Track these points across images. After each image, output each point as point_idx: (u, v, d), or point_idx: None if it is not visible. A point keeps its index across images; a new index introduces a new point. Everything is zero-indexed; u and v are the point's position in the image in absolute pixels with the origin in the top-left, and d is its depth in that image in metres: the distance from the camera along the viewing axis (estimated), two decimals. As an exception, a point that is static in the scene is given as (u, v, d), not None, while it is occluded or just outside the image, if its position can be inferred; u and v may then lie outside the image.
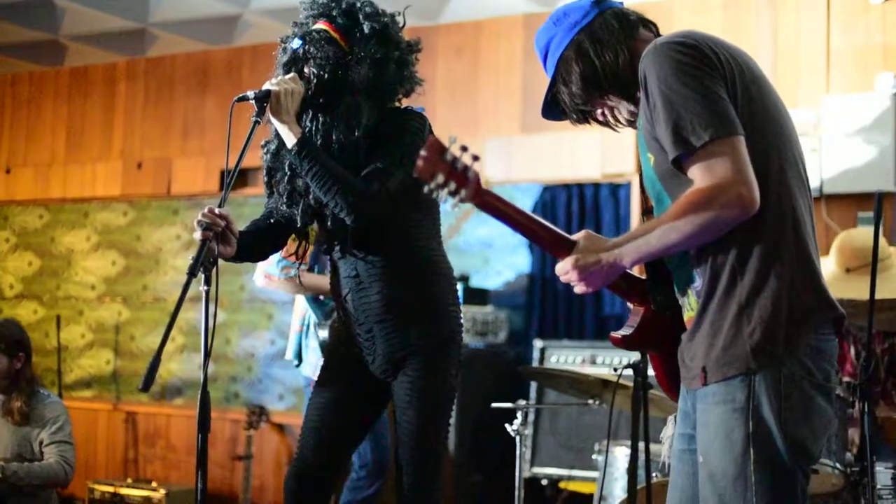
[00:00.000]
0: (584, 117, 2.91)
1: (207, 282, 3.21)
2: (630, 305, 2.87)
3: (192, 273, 3.17)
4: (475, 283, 7.30)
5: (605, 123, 2.93)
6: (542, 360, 6.53)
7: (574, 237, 2.65)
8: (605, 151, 6.91)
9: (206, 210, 3.42)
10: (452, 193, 2.46)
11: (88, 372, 8.85)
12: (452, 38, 7.69)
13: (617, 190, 6.99)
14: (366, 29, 3.69)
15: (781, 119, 2.67)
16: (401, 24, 3.81)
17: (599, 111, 2.88)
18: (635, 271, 2.80)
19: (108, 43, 8.57)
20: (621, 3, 2.89)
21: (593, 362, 6.37)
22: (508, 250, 7.38)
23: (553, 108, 2.95)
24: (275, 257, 3.95)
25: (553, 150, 7.05)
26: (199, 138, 8.66)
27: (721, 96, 2.52)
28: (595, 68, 2.77)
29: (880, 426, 4.76)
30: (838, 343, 2.66)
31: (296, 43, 3.71)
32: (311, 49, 3.67)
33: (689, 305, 2.69)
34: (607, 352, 6.39)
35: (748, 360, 2.51)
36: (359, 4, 3.74)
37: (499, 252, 7.38)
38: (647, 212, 2.86)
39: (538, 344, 6.61)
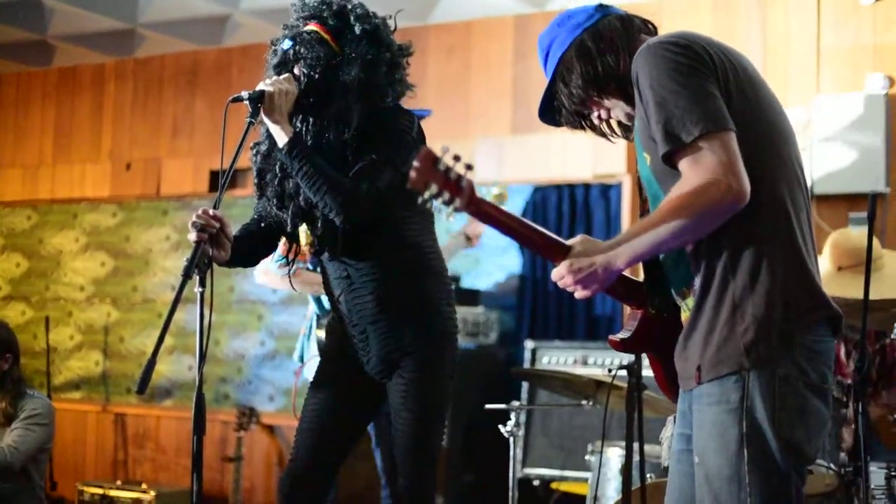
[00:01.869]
0: (579, 121, 2.92)
1: (202, 283, 3.20)
2: (628, 308, 2.88)
3: (186, 275, 3.17)
4: (466, 283, 7.31)
5: (600, 132, 2.95)
6: (533, 360, 6.52)
7: (569, 242, 2.65)
8: (596, 152, 6.90)
9: (200, 211, 3.39)
10: (447, 203, 2.46)
11: (77, 373, 8.83)
12: (443, 38, 7.69)
13: (608, 190, 6.99)
14: (357, 30, 3.68)
15: (777, 118, 2.68)
16: (392, 28, 3.80)
17: (595, 114, 2.88)
18: (632, 273, 2.81)
19: (97, 43, 8.54)
20: (625, 12, 2.90)
21: (585, 363, 6.36)
22: (499, 251, 7.37)
23: (549, 113, 2.95)
24: (276, 253, 3.95)
25: (544, 151, 7.04)
26: (189, 139, 8.65)
27: (712, 93, 2.53)
28: (596, 67, 2.78)
29: (874, 428, 4.76)
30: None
31: (286, 44, 3.70)
32: (302, 50, 3.66)
33: (687, 306, 2.69)
34: (599, 352, 6.39)
35: (741, 359, 2.52)
36: (350, 6, 3.73)
37: (489, 253, 7.37)
38: (645, 214, 2.85)
39: (529, 345, 6.60)
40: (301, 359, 5.39)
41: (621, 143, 6.55)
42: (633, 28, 2.83)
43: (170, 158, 8.66)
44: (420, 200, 2.45)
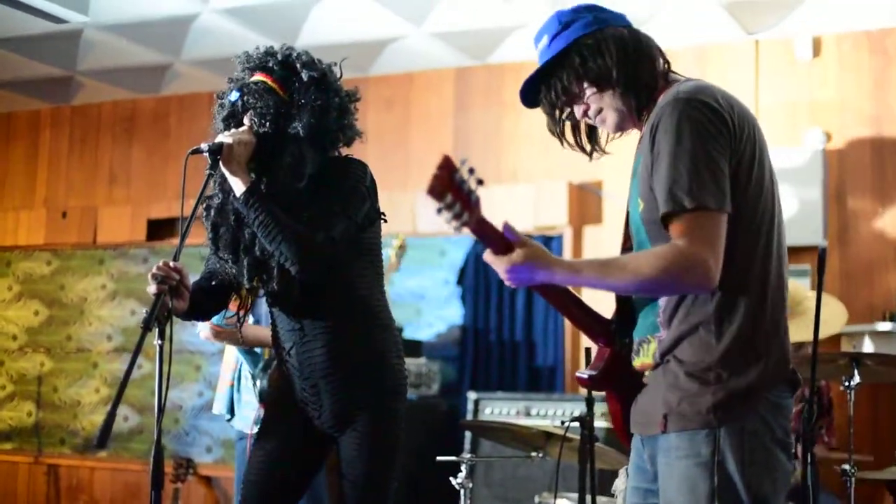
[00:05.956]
0: (559, 112, 2.85)
1: (161, 335, 3.18)
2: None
3: (146, 327, 3.14)
4: (407, 334, 7.30)
5: (575, 133, 2.92)
6: (476, 412, 6.51)
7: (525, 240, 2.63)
8: (537, 203, 6.95)
9: (160, 263, 3.37)
10: (456, 216, 2.42)
11: (9, 424, 8.68)
12: (383, 90, 7.73)
13: (549, 242, 7.03)
14: (304, 77, 3.67)
15: (773, 192, 2.71)
16: (338, 75, 3.80)
17: (582, 109, 2.83)
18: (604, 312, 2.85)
19: (33, 90, 8.49)
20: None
21: (527, 414, 6.37)
22: (440, 302, 7.38)
23: (531, 95, 2.89)
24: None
25: (485, 203, 7.00)
26: (126, 187, 8.60)
27: (723, 170, 2.55)
28: (624, 61, 2.74)
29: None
30: None
31: (233, 96, 3.67)
32: (250, 100, 3.64)
33: (646, 352, 2.72)
34: (541, 403, 6.39)
35: (710, 416, 2.55)
36: (295, 55, 3.72)
37: (430, 304, 7.37)
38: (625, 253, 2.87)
39: (472, 396, 6.59)
40: (231, 411, 5.31)
41: (563, 195, 6.68)
42: (654, 50, 2.81)
43: (106, 206, 8.59)
44: (436, 210, 2.39)
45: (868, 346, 6.13)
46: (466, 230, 2.49)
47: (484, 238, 2.57)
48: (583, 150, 2.96)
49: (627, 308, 2.82)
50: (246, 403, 5.17)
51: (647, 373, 2.74)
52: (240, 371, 5.25)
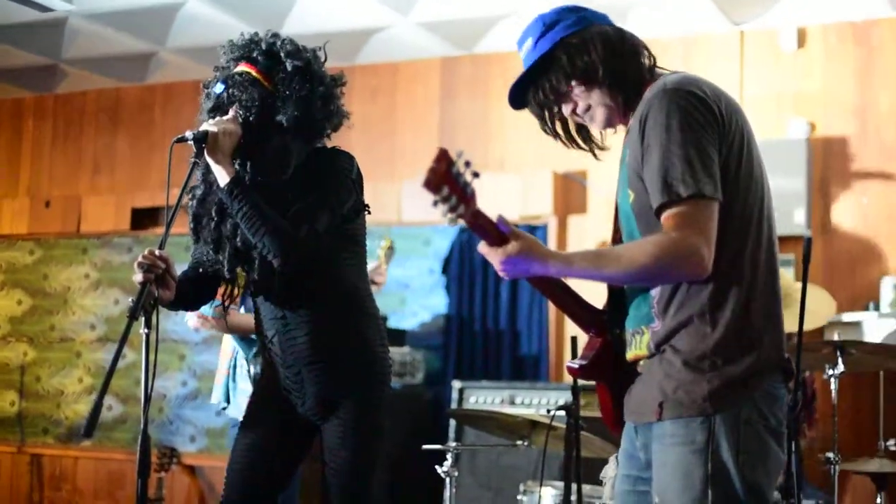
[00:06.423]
0: (549, 111, 2.89)
1: (148, 325, 3.17)
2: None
3: (132, 316, 3.14)
4: (392, 323, 7.31)
5: (554, 131, 2.94)
6: (460, 401, 6.52)
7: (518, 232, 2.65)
8: (523, 193, 6.96)
9: (146, 252, 3.36)
10: (452, 209, 2.44)
11: (-9, 414, 8.68)
12: (368, 79, 7.72)
13: (534, 231, 7.04)
14: (288, 67, 3.66)
15: (762, 180, 2.73)
16: (323, 60, 3.79)
17: (571, 107, 2.86)
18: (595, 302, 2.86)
19: (17, 78, 8.45)
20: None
21: (512, 402, 6.38)
22: (425, 291, 7.38)
23: (519, 98, 2.92)
24: None
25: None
26: (110, 176, 8.57)
27: (713, 158, 2.58)
28: (610, 57, 2.78)
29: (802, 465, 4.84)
30: None
31: (218, 87, 3.65)
32: (235, 92, 3.62)
33: (639, 343, 2.74)
34: (525, 392, 6.41)
35: (706, 404, 2.58)
36: (279, 43, 3.71)
37: (415, 293, 7.37)
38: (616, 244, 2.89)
39: (456, 385, 6.60)
40: (227, 399, 5.32)
41: (548, 185, 6.68)
42: (639, 46, 2.84)
43: (90, 195, 8.57)
44: (432, 202, 2.41)
45: (851, 336, 6.15)
46: (461, 222, 2.50)
47: (479, 230, 2.59)
48: (579, 147, 2.99)
49: (619, 299, 2.84)
50: (241, 391, 5.18)
51: (640, 362, 2.76)
52: (235, 359, 5.25)
